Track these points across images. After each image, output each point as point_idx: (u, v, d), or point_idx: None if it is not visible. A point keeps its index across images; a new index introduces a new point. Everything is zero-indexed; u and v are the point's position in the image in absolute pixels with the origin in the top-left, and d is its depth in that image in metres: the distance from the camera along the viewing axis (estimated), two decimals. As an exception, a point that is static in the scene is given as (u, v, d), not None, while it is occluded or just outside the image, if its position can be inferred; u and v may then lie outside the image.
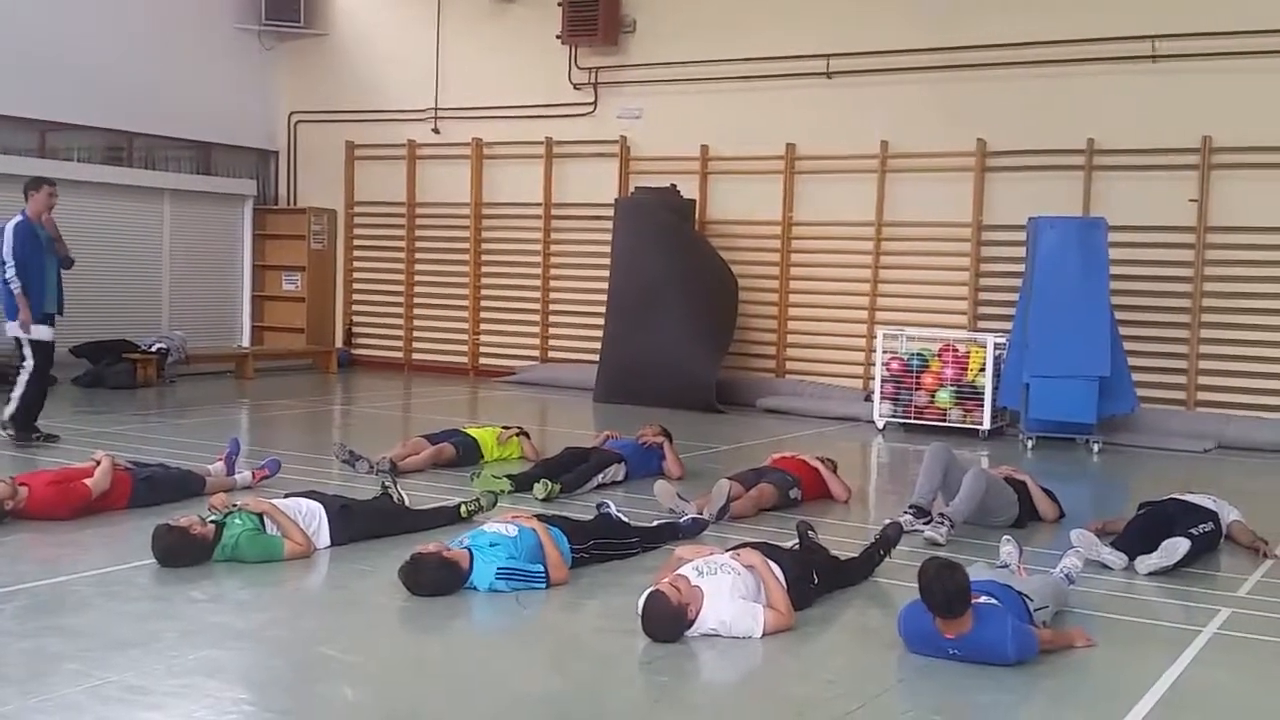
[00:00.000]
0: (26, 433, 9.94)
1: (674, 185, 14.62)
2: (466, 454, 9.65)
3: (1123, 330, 11.95)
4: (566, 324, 16.19)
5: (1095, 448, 11.65)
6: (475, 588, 6.04)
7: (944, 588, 5.08)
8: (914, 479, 8.12)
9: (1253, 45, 12.32)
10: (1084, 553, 6.73)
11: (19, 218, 10.01)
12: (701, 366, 13.76)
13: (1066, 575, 6.25)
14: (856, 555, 6.58)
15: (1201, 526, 7.14)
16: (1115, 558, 6.87)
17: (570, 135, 15.99)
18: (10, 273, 9.85)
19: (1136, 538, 7.03)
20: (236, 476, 8.37)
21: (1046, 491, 8.25)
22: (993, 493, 7.79)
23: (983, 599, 5.28)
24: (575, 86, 15.92)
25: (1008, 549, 6.52)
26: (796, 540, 6.53)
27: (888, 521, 7.15)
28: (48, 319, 10.09)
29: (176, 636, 5.27)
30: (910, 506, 7.75)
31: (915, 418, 12.63)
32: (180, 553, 6.34)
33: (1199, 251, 12.66)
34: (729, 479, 8.05)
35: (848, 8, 14.23)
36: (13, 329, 10.00)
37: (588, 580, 6.37)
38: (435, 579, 5.96)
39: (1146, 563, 6.79)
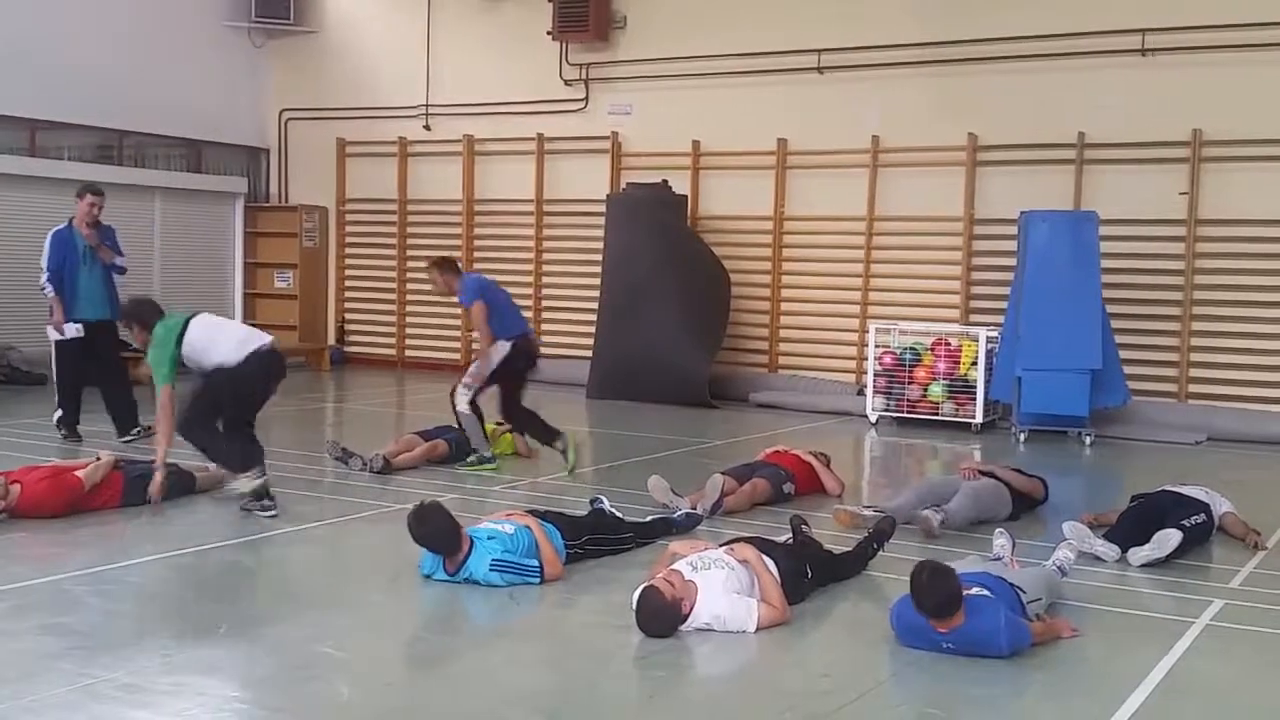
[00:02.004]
0: (71, 430, 10.22)
1: (665, 181, 14.60)
2: (460, 450, 9.65)
3: (1114, 323, 11.98)
4: (559, 320, 16.17)
5: (1087, 440, 11.68)
6: (472, 579, 6.04)
7: (934, 594, 5.08)
8: (906, 472, 8.14)
9: (1242, 38, 12.34)
10: (1076, 544, 6.75)
11: (62, 226, 10.25)
12: (694, 362, 13.75)
13: (1059, 567, 6.27)
14: (850, 549, 6.59)
15: (1193, 518, 7.16)
16: (1108, 549, 6.89)
17: (561, 131, 15.97)
18: (43, 279, 10.12)
19: (1129, 529, 7.05)
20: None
21: (1017, 471, 8.30)
22: (991, 495, 7.82)
23: (975, 591, 5.29)
24: (566, 83, 15.90)
25: (1000, 541, 6.54)
26: (790, 534, 6.54)
27: (881, 515, 7.17)
28: (86, 326, 10.15)
29: (170, 634, 5.26)
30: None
31: (908, 411, 12.64)
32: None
33: (1190, 244, 12.68)
34: (722, 474, 8.05)
35: (839, 3, 14.22)
36: (50, 333, 10.24)
37: (582, 576, 6.37)
38: (439, 524, 6.01)
39: (1139, 554, 6.81)
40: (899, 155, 13.99)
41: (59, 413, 10.29)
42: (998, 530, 6.75)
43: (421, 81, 16.83)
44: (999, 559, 6.28)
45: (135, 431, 10.21)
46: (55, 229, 10.22)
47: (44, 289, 10.14)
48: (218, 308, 17.20)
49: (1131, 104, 12.80)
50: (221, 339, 7.65)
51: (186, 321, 7.60)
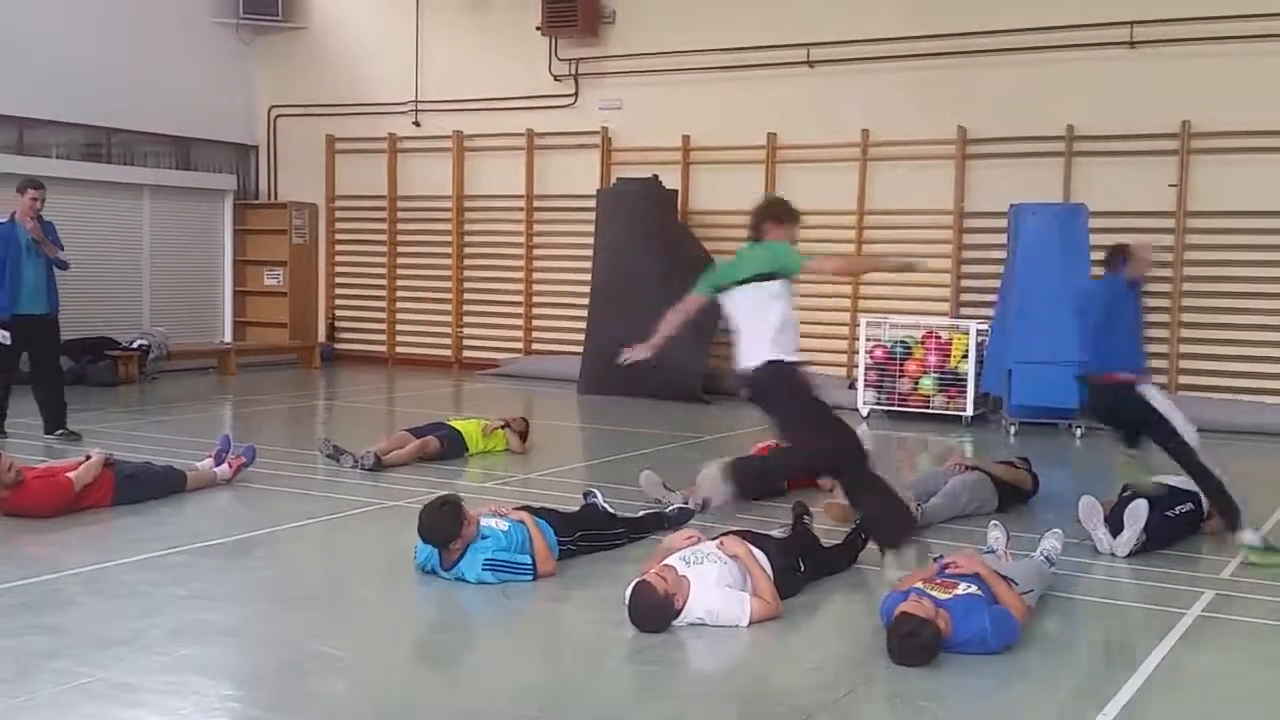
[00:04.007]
0: None
1: (656, 176, 14.61)
2: (451, 447, 9.64)
3: (1104, 315, 11.99)
4: (550, 316, 16.17)
5: (1078, 432, 11.71)
6: (465, 579, 6.04)
7: (906, 659, 5.01)
8: (897, 466, 8.16)
9: (1230, 30, 12.37)
10: (1084, 523, 6.89)
11: (3, 220, 10.18)
12: (686, 357, 13.73)
13: (1046, 557, 6.30)
14: (839, 542, 6.60)
15: (1180, 507, 7.20)
16: (1106, 539, 6.92)
17: (551, 127, 15.96)
18: None
19: (1117, 520, 7.07)
20: (216, 470, 8.35)
21: (1006, 463, 8.32)
22: (969, 491, 7.85)
23: (961, 588, 5.30)
24: (556, 78, 15.89)
25: (995, 534, 6.56)
26: (790, 521, 6.55)
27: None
28: (23, 320, 10.10)
29: (163, 634, 5.26)
30: None
31: (899, 405, 12.67)
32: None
33: (1179, 236, 12.72)
34: (714, 468, 8.05)
35: (827, -4, 14.26)
36: None
37: (575, 571, 6.37)
38: (441, 524, 6.04)
39: (1121, 542, 6.85)
40: (889, 149, 14.00)
41: None
42: (992, 523, 6.77)
43: (411, 77, 16.81)
44: (993, 551, 6.30)
45: (60, 432, 10.19)
46: None
47: None
48: (208, 305, 17.30)
49: (1120, 96, 12.83)
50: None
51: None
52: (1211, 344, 12.74)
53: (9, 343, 10.07)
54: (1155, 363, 12.76)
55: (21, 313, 10.09)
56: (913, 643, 4.98)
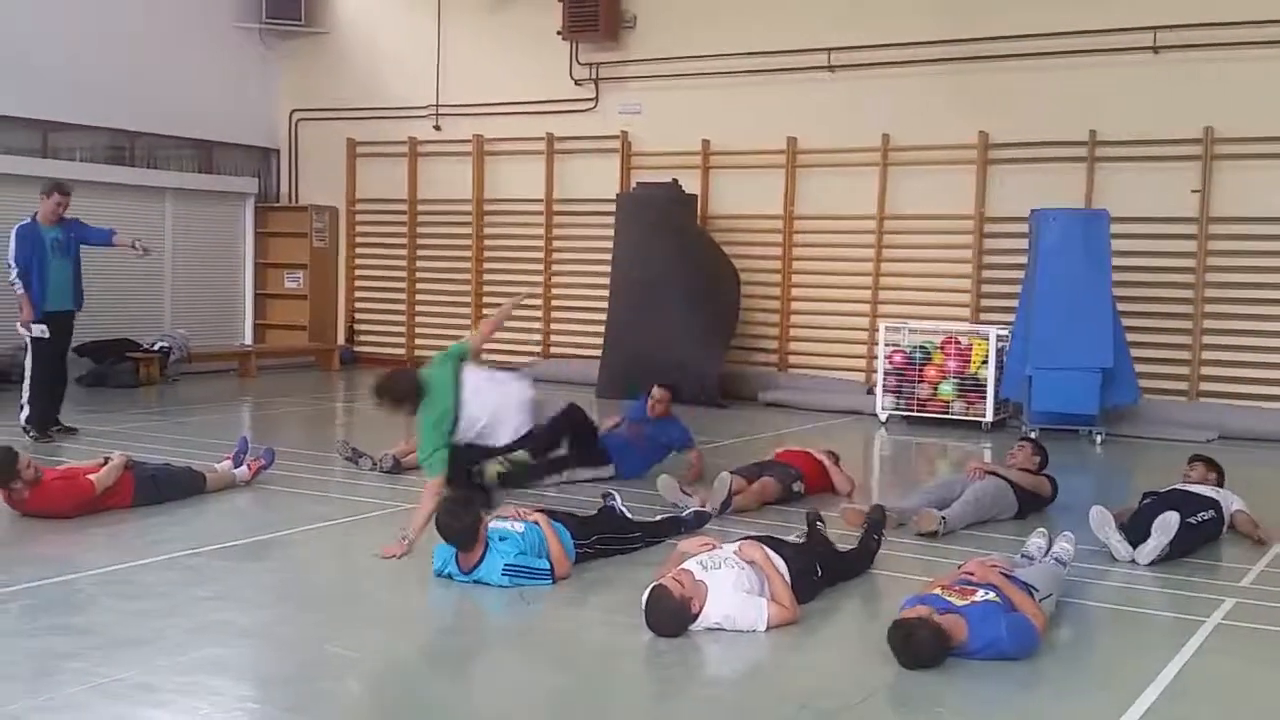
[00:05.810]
0: (41, 431, 10.21)
1: (675, 180, 14.61)
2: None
3: (1125, 321, 11.94)
4: (569, 319, 16.18)
5: (1098, 439, 11.65)
6: (485, 582, 6.05)
7: (910, 661, 5.02)
8: (916, 471, 8.13)
9: (1254, 35, 12.30)
10: (1096, 531, 6.85)
11: (26, 220, 10.30)
12: (704, 361, 13.74)
13: (1058, 559, 6.27)
14: (854, 547, 6.59)
15: (1201, 515, 7.16)
16: (1122, 547, 6.88)
17: (572, 131, 15.97)
18: (12, 275, 10.15)
19: (1140, 528, 7.04)
20: (235, 471, 8.39)
21: (1024, 469, 8.29)
22: (991, 498, 7.82)
23: (979, 595, 5.28)
24: (576, 82, 15.91)
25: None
26: (805, 529, 6.54)
27: (870, 506, 7.18)
28: (53, 316, 10.23)
29: (182, 634, 5.28)
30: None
31: (918, 410, 12.62)
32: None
33: (1201, 242, 12.65)
34: (731, 472, 8.05)
35: (849, 1, 14.19)
36: (21, 331, 10.29)
37: (592, 575, 6.37)
38: (463, 522, 6.03)
39: (1144, 551, 6.81)
40: (910, 154, 13.97)
41: (26, 412, 10.25)
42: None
43: (431, 81, 16.85)
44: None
45: (54, 429, 10.30)
46: (19, 224, 10.29)
47: (13, 285, 10.19)
48: (229, 308, 17.35)
49: (1143, 102, 12.77)
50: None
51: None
52: (1233, 350, 12.66)
53: (47, 336, 10.21)
54: (1177, 369, 12.77)
55: (50, 309, 10.24)
56: (912, 643, 4.98)
